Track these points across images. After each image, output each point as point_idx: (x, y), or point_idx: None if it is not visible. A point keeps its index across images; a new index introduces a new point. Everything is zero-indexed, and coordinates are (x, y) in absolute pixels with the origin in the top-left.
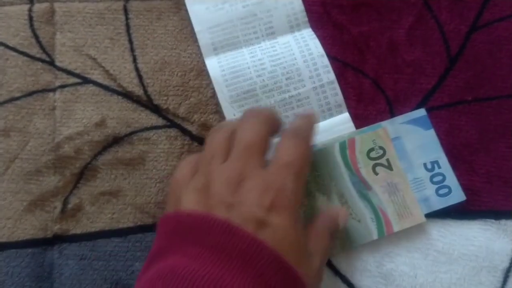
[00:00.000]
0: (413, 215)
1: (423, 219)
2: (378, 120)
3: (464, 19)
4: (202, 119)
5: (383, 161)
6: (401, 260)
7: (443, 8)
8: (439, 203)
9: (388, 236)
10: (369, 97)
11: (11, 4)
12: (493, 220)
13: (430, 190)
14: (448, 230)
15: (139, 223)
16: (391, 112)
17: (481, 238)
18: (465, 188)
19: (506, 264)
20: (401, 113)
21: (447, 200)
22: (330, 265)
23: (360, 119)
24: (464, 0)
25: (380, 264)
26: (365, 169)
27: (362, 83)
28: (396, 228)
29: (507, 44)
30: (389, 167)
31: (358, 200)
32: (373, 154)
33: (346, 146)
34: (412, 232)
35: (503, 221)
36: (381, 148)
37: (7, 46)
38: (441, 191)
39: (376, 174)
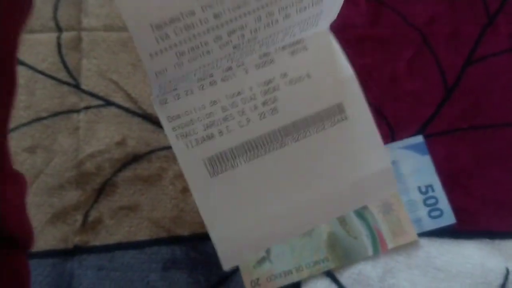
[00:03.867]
0: (406, 234)
1: (416, 237)
2: None
3: (460, 53)
4: None
5: None
6: (402, 276)
7: (440, 43)
8: (430, 224)
9: (389, 253)
10: None
11: (41, 31)
12: (488, 240)
13: (423, 211)
14: (446, 249)
15: (154, 236)
16: (392, 137)
17: (477, 257)
18: (461, 210)
19: (500, 281)
20: (401, 139)
21: (438, 222)
22: (335, 280)
23: None
24: (459, 37)
25: (382, 279)
26: None
27: None
28: (390, 245)
29: (500, 77)
30: None
31: (355, 219)
32: None
33: None
34: (412, 250)
35: (497, 241)
36: None
37: (36, 70)
38: (433, 213)
39: None
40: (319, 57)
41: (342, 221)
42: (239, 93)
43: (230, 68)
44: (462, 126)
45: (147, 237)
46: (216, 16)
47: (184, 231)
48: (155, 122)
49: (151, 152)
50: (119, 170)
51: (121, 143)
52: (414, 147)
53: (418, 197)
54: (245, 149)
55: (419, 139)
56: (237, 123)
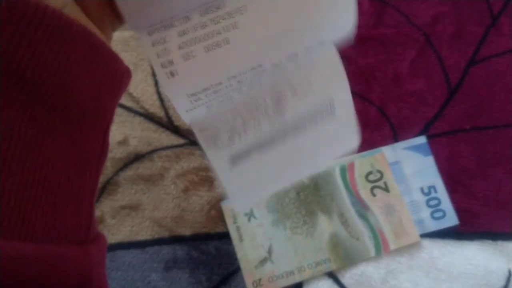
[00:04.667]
0: (409, 235)
1: (418, 238)
2: (383, 145)
3: (463, 54)
4: None
5: (380, 183)
6: (404, 277)
7: (444, 44)
8: (433, 225)
9: (391, 254)
10: (375, 124)
11: None
12: (490, 241)
13: (425, 212)
14: (449, 250)
15: (156, 236)
16: (395, 138)
17: (479, 258)
18: (464, 210)
19: (502, 283)
20: (404, 139)
21: (441, 223)
22: (337, 280)
23: (367, 144)
24: (463, 37)
25: (385, 280)
26: (363, 190)
27: (368, 111)
28: (392, 246)
29: (503, 77)
30: (386, 189)
31: (357, 220)
32: (371, 177)
33: (346, 169)
34: (415, 251)
35: (499, 242)
36: (379, 171)
37: None
38: (436, 214)
39: (374, 195)
40: (323, 69)
41: (344, 221)
42: (256, 105)
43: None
44: (465, 127)
45: (149, 236)
46: (239, 81)
47: (186, 231)
48: (157, 121)
49: (153, 151)
50: (121, 169)
51: (123, 143)
52: (417, 148)
53: (420, 198)
54: (257, 146)
55: (422, 139)
56: (252, 129)
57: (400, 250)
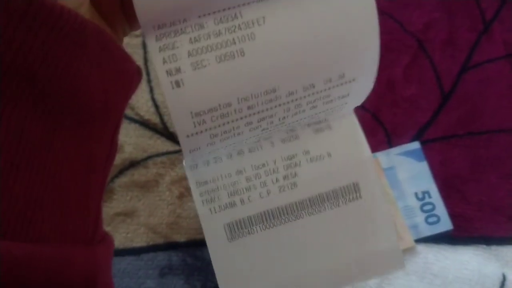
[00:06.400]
0: (403, 240)
1: (413, 243)
2: (377, 151)
3: (456, 60)
4: None
5: None
6: (399, 282)
7: (436, 50)
8: (427, 231)
9: None
10: (368, 129)
11: None
12: (484, 246)
13: (419, 218)
14: (443, 255)
15: (151, 242)
16: (389, 143)
17: (473, 263)
18: (458, 215)
19: (497, 287)
20: (398, 145)
21: (435, 228)
22: None
23: None
24: (455, 43)
25: (379, 286)
26: None
27: (362, 116)
28: None
29: (495, 83)
30: None
31: None
32: None
33: None
34: (409, 256)
35: (494, 247)
36: None
37: None
38: (430, 220)
39: None
40: (341, 138)
41: None
42: (263, 165)
43: (258, 140)
44: (459, 132)
45: (144, 243)
46: (249, 107)
47: (181, 237)
48: (152, 128)
49: (148, 158)
50: (116, 176)
51: (118, 149)
52: (411, 153)
53: (415, 203)
54: (262, 219)
55: (415, 145)
56: (258, 193)
57: None
